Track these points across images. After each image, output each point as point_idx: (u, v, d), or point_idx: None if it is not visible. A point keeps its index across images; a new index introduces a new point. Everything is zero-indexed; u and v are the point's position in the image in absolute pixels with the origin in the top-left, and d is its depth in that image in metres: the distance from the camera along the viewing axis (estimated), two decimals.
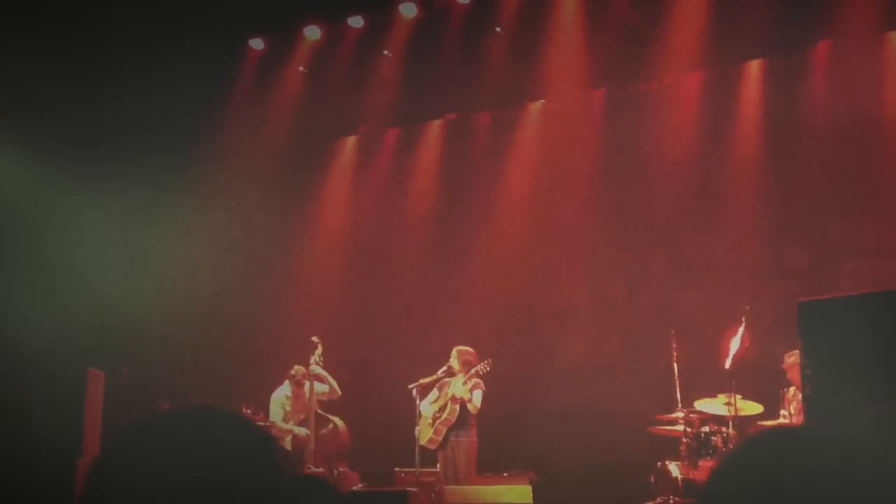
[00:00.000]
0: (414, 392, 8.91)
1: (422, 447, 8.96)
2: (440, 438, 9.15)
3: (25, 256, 10.10)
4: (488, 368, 8.97)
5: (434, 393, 9.29)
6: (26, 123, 9.84)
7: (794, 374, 8.10)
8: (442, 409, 9.20)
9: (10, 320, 9.08)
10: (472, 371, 9.04)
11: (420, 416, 9.02)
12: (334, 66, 11.23)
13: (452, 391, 9.16)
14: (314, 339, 9.33)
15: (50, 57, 9.57)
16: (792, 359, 8.06)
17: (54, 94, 9.76)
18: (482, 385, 9.13)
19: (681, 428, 8.10)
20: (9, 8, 9.29)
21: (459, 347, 9.30)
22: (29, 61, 9.43)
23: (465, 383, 9.08)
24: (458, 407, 9.12)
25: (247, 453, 1.43)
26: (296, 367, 9.54)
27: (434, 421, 9.20)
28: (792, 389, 8.19)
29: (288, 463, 8.91)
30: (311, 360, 9.25)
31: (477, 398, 9.09)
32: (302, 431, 9.24)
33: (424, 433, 9.14)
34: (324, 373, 9.36)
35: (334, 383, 9.46)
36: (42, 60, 9.50)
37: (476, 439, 9.18)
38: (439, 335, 10.10)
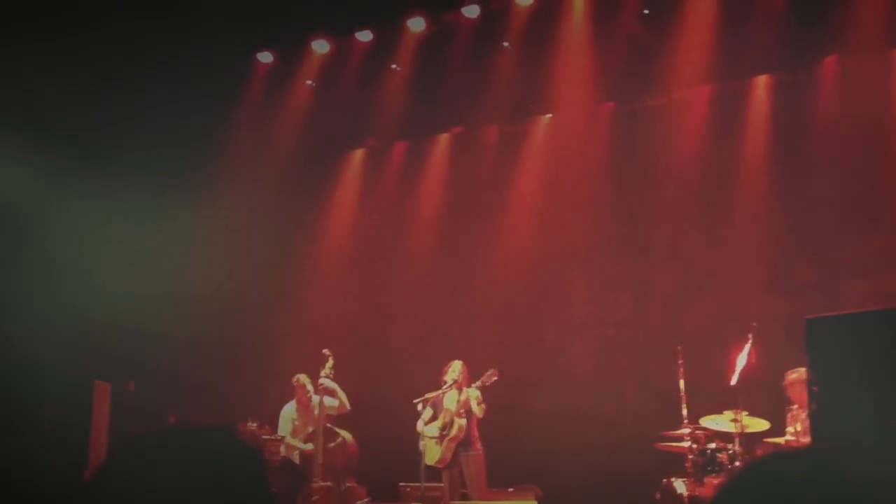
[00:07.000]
0: (419, 407, 8.75)
1: (428, 465, 8.80)
2: (451, 455, 8.94)
3: (29, 259, 10.12)
4: (495, 377, 8.84)
5: (428, 411, 8.97)
6: (35, 131, 9.88)
7: (794, 392, 8.08)
8: (447, 425, 8.97)
9: (16, 325, 9.08)
10: (479, 382, 8.88)
11: (422, 436, 8.80)
12: (342, 80, 11.26)
13: (455, 406, 9.00)
14: (325, 351, 9.20)
15: (57, 60, 9.61)
16: (793, 376, 8.04)
17: (60, 99, 9.78)
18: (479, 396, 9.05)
19: (687, 444, 8.06)
20: (20, 13, 9.36)
21: (459, 361, 9.17)
22: (36, 64, 9.47)
23: (475, 397, 8.97)
24: (465, 421, 8.92)
25: (232, 473, 1.46)
26: (297, 375, 9.51)
27: (442, 439, 8.97)
28: (795, 407, 8.16)
29: (296, 479, 8.88)
30: (322, 373, 9.12)
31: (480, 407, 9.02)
32: (309, 447, 9.13)
33: (432, 453, 8.91)
34: (334, 386, 9.20)
35: (344, 398, 9.32)
36: (49, 63, 9.54)
37: (482, 451, 9.09)
38: (445, 348, 10.06)
